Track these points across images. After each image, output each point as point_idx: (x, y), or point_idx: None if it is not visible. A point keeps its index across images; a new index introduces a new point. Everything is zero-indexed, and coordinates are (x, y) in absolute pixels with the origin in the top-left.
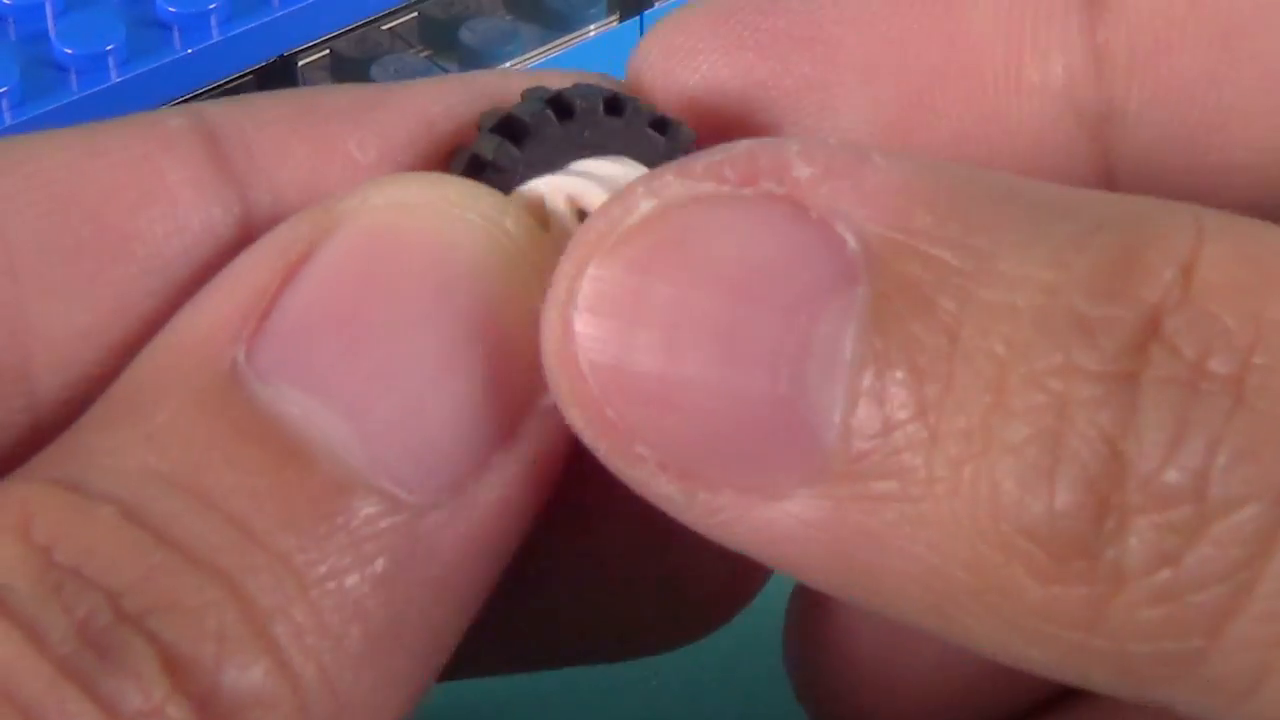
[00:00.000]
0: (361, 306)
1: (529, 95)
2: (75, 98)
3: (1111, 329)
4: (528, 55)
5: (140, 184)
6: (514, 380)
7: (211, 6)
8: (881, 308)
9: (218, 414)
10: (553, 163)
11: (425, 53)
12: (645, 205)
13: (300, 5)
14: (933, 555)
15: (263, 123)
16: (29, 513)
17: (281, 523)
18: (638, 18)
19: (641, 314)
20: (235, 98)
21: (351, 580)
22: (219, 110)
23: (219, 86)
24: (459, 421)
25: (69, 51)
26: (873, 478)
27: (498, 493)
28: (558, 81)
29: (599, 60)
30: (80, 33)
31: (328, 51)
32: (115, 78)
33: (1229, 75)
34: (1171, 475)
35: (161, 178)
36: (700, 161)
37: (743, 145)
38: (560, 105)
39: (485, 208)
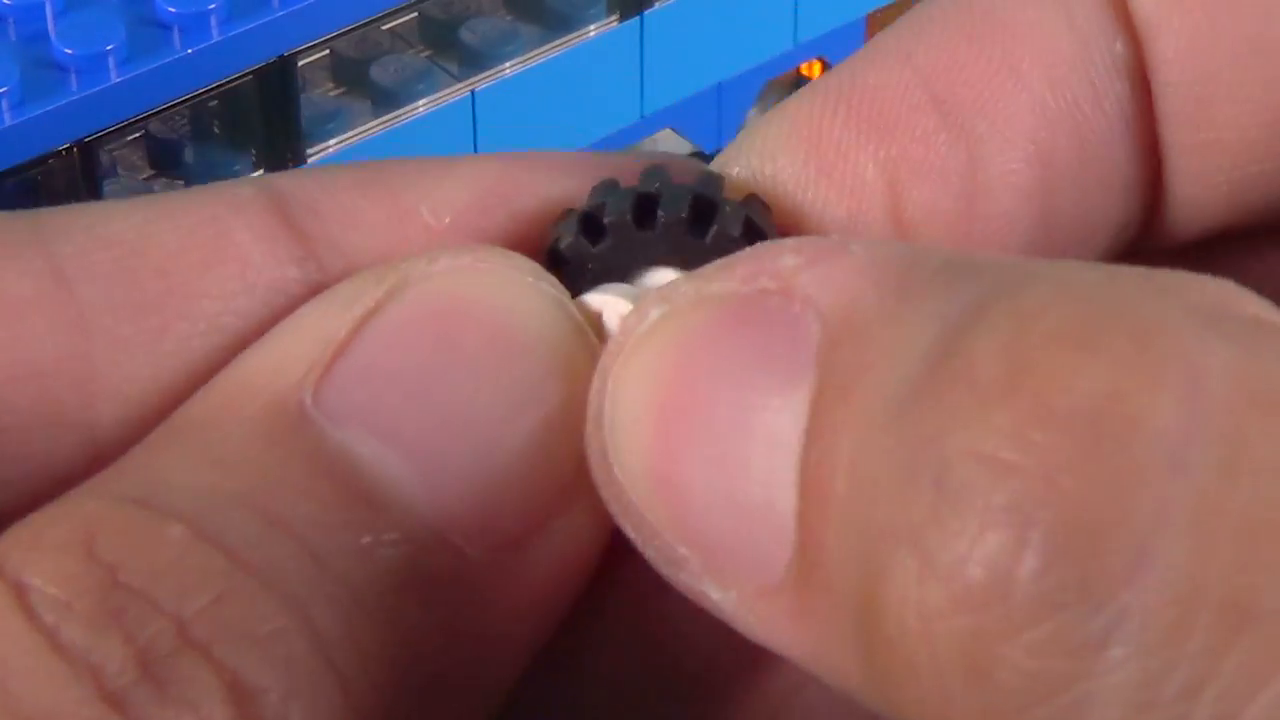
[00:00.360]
0: (431, 360)
1: (613, 191)
2: (75, 98)
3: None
4: (528, 55)
5: (208, 244)
6: (577, 445)
7: (211, 6)
8: (817, 399)
9: (289, 446)
10: (628, 267)
11: (425, 53)
12: (655, 313)
13: (300, 5)
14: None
15: (332, 189)
16: (93, 528)
17: (353, 558)
18: (638, 18)
19: (651, 421)
20: (304, 169)
21: (413, 620)
22: (288, 178)
23: (219, 86)
24: (523, 478)
25: (69, 51)
26: (810, 578)
27: (555, 553)
28: (648, 172)
29: (599, 60)
30: (80, 33)
31: (328, 51)
32: (115, 78)
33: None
34: None
35: (229, 238)
36: (717, 264)
37: (744, 254)
38: (643, 208)
39: (554, 281)
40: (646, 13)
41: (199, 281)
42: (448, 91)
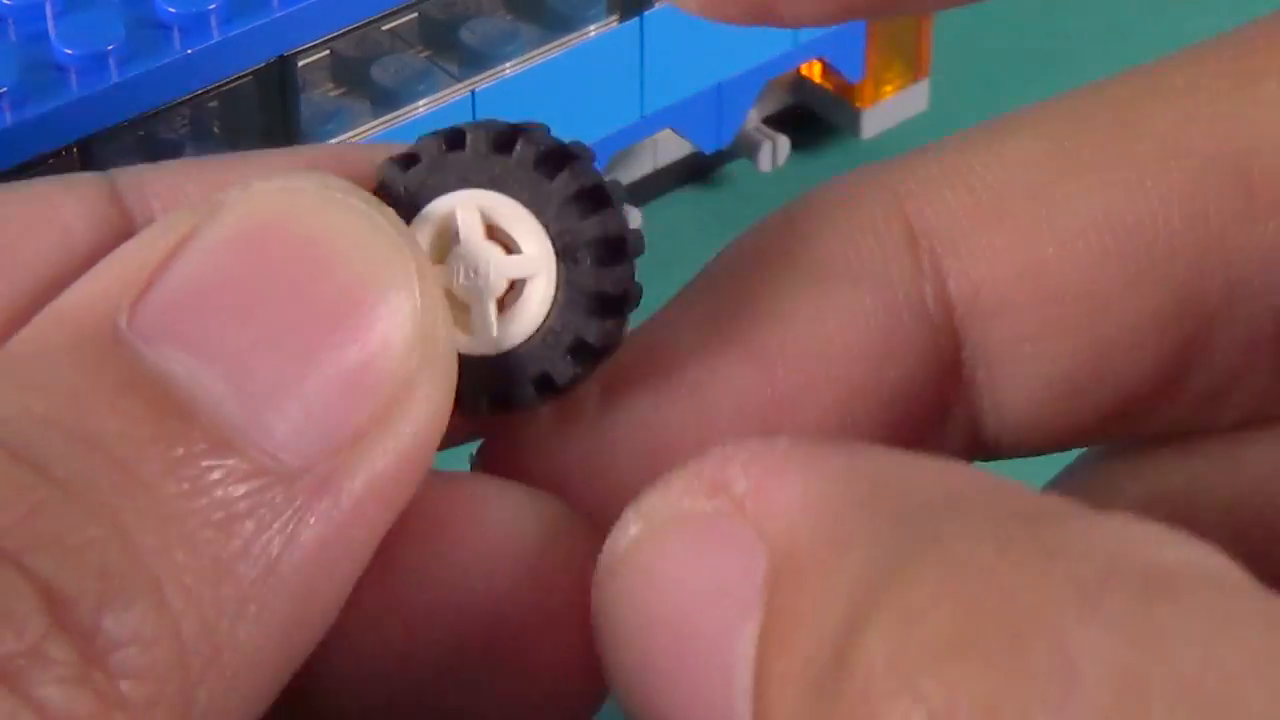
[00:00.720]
0: (244, 278)
1: (429, 133)
2: (75, 98)
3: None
4: (528, 55)
5: (32, 214)
6: (392, 365)
7: (211, 6)
8: (763, 642)
9: (100, 368)
10: (441, 191)
11: (425, 53)
12: (633, 530)
13: (300, 5)
14: None
15: (163, 171)
16: None
17: (165, 469)
18: (638, 18)
19: (633, 622)
20: (144, 166)
21: (227, 531)
22: (129, 168)
23: (219, 86)
24: (336, 392)
25: (69, 51)
26: None
27: (365, 478)
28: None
29: (599, 60)
30: (80, 33)
31: (328, 51)
32: (115, 78)
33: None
34: None
35: (55, 210)
36: (678, 478)
37: (710, 456)
38: (453, 139)
39: (366, 196)
40: (646, 13)
41: (19, 245)
42: (448, 91)
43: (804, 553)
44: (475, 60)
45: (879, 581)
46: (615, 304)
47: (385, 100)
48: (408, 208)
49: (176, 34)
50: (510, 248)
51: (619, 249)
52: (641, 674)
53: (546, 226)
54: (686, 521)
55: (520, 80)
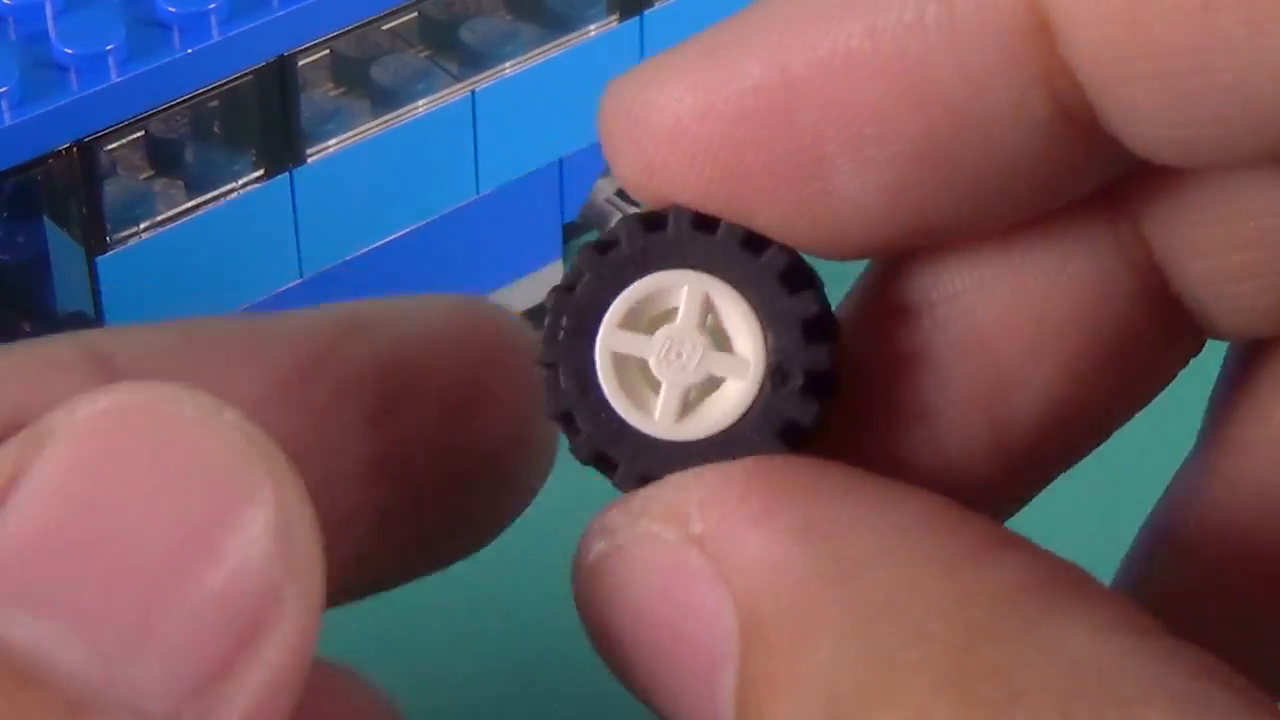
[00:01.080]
0: (80, 518)
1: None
2: (75, 98)
3: None
4: (528, 55)
5: (29, 393)
6: (254, 585)
7: (211, 6)
8: (743, 691)
9: None
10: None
11: (425, 53)
12: (599, 544)
13: (300, 5)
14: None
15: (156, 351)
16: None
17: None
18: (638, 17)
19: (607, 631)
20: (129, 327)
21: None
22: (111, 336)
23: (219, 86)
24: (196, 626)
25: (69, 51)
26: None
27: (243, 700)
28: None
29: (599, 60)
30: (80, 33)
31: (328, 51)
32: (115, 78)
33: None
34: None
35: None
36: (636, 499)
37: (667, 484)
38: (651, 220)
39: (202, 400)
40: (646, 13)
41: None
42: (447, 91)
43: (772, 630)
44: (475, 60)
45: (851, 700)
46: (824, 386)
47: (385, 100)
48: (615, 283)
49: (176, 34)
50: (721, 339)
51: (825, 328)
52: (631, 666)
53: (760, 320)
54: (648, 543)
55: (520, 80)
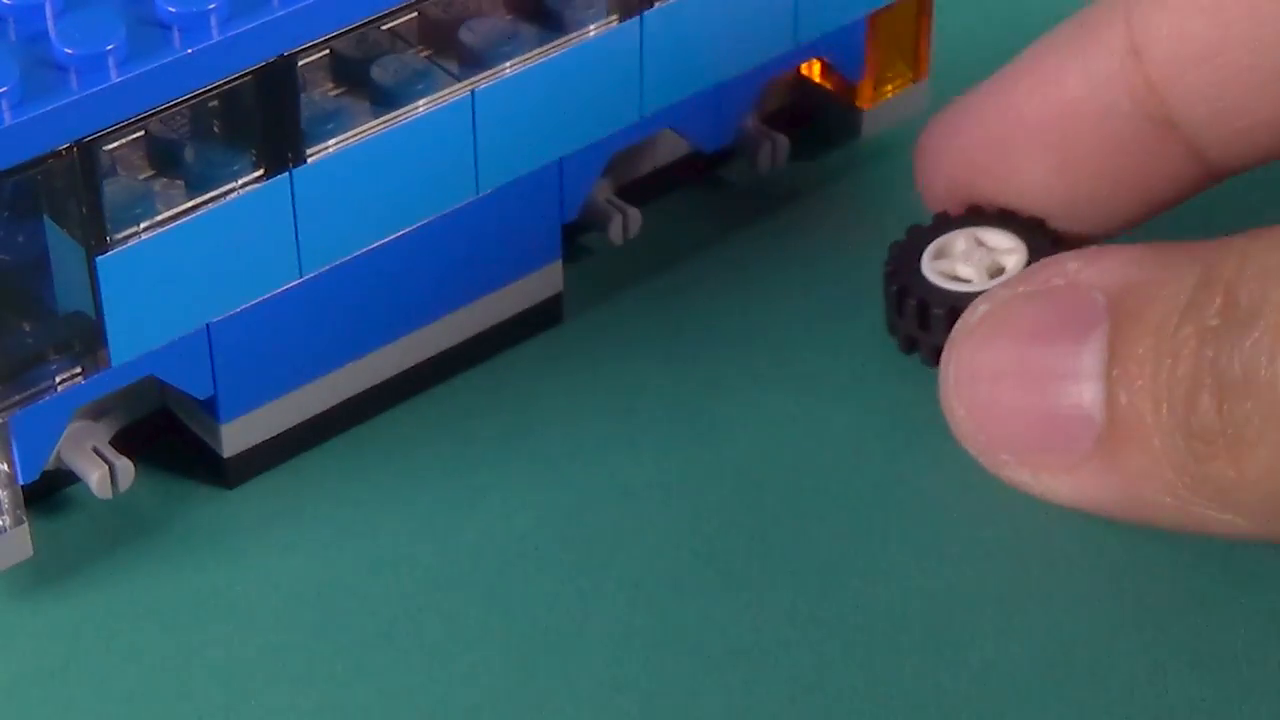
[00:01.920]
0: None
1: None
2: (75, 98)
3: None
4: (528, 55)
5: None
6: None
7: (211, 6)
8: (1114, 335)
9: None
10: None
11: (425, 53)
12: (981, 309)
13: (300, 5)
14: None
15: None
16: None
17: None
18: (638, 17)
19: (981, 372)
20: None
21: None
22: None
23: (219, 86)
24: None
25: (69, 51)
26: (1121, 448)
27: None
28: None
29: (599, 60)
30: (80, 33)
31: (328, 51)
32: (115, 78)
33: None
34: None
35: None
36: (1019, 276)
37: (1044, 261)
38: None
39: None
40: (646, 13)
41: None
42: (447, 91)
43: (1138, 277)
44: (475, 60)
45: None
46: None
47: (385, 100)
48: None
49: (176, 34)
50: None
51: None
52: (983, 397)
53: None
54: (1029, 294)
55: (520, 80)
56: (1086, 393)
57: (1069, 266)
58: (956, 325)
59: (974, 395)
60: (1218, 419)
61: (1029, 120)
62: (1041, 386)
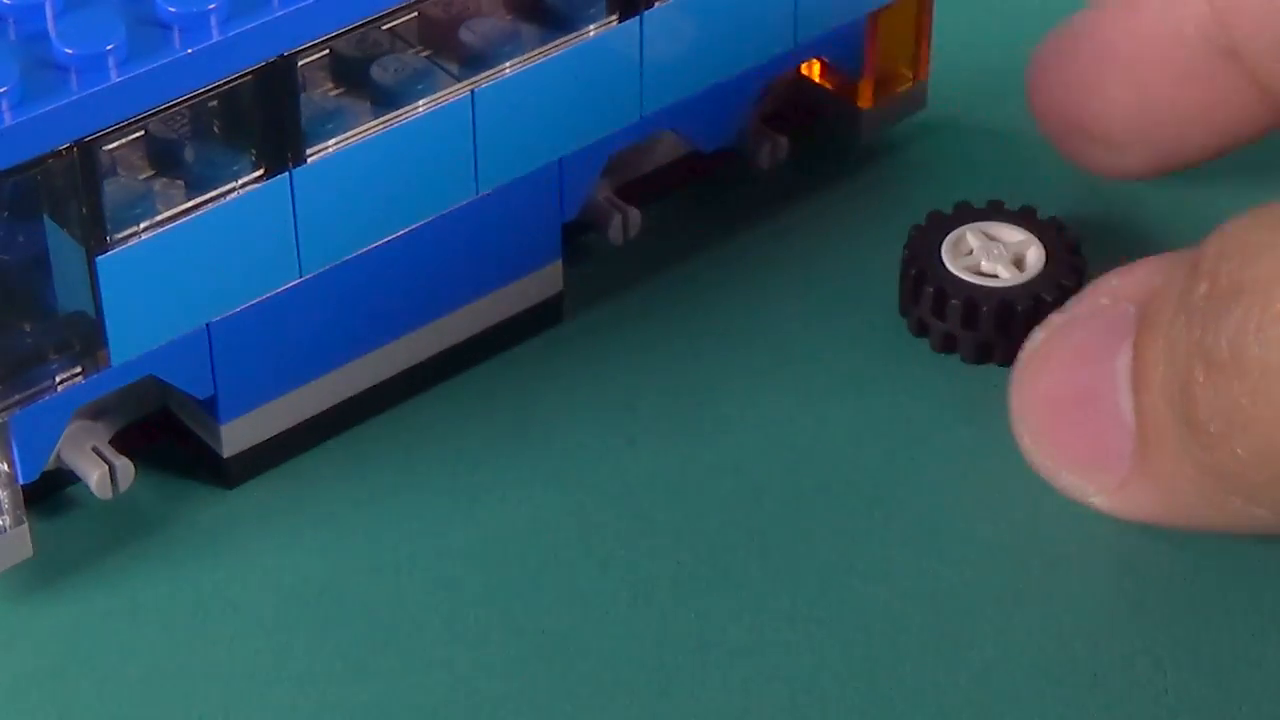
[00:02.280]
0: None
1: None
2: (75, 98)
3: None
4: (528, 55)
5: None
6: None
7: (211, 6)
8: (1136, 342)
9: None
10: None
11: (425, 53)
12: (1039, 335)
13: (300, 5)
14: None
15: None
16: None
17: None
18: (638, 18)
19: (1039, 399)
20: None
21: None
22: None
23: (219, 86)
24: None
25: (69, 51)
26: (1152, 453)
27: None
28: None
29: (599, 60)
30: (80, 33)
31: (328, 51)
32: (115, 78)
33: None
34: None
35: None
36: (1071, 303)
37: (1095, 282)
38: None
39: None
40: (646, 13)
41: None
42: (447, 91)
43: (1159, 287)
44: (475, 60)
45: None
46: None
47: (385, 100)
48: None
49: (176, 34)
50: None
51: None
52: (1049, 421)
53: (1030, 230)
54: (1077, 318)
55: (520, 80)
56: (1123, 404)
57: (1112, 284)
58: (1019, 354)
59: (1036, 423)
60: (1212, 403)
61: (1116, 48)
62: (1090, 405)
